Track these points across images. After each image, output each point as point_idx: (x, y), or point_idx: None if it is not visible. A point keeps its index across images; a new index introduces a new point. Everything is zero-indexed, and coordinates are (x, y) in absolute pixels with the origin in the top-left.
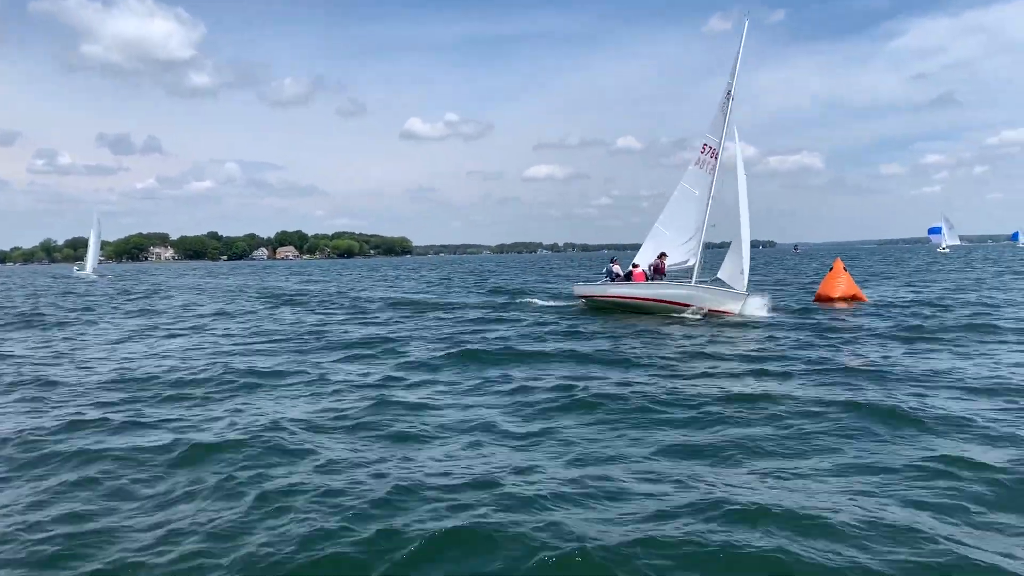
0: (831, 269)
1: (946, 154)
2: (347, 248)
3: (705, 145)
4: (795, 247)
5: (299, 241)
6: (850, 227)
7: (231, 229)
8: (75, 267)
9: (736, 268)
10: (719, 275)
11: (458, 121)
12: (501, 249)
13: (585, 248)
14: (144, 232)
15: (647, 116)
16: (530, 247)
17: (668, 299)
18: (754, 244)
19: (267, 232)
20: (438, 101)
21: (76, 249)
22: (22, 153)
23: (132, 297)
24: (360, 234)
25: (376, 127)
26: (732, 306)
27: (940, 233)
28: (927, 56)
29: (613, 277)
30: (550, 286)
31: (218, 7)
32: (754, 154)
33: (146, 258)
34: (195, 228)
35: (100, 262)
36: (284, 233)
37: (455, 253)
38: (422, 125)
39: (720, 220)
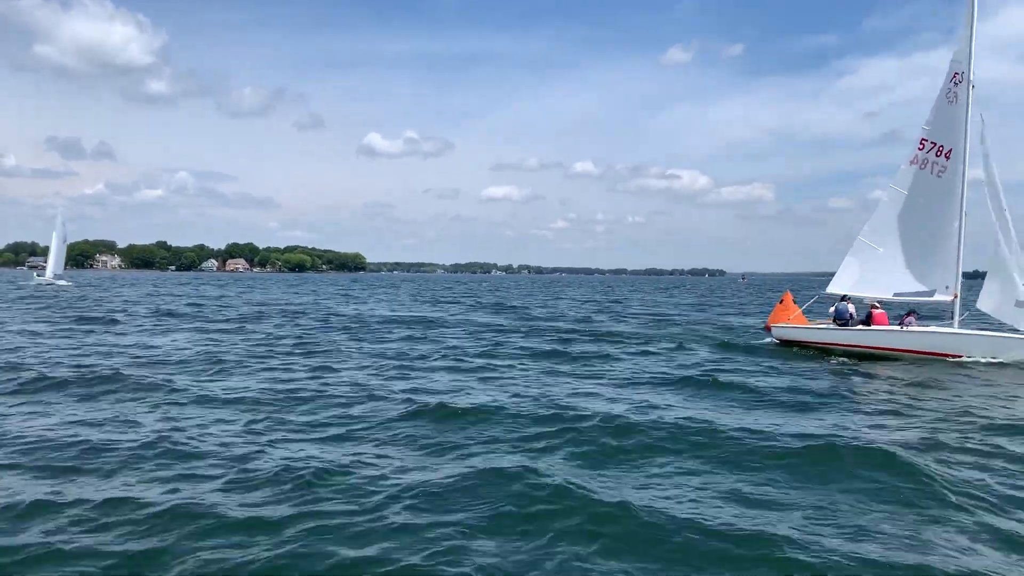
0: (781, 300)
1: None
2: (299, 262)
3: (925, 141)
4: (742, 277)
5: (250, 253)
6: (798, 258)
7: (181, 239)
8: (35, 273)
9: (1008, 298)
10: (979, 306)
11: (418, 139)
12: (456, 268)
13: (539, 270)
14: (90, 239)
15: (604, 142)
16: (484, 267)
17: (944, 351)
18: (700, 272)
19: (218, 243)
20: (398, 118)
21: (17, 254)
22: None
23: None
24: (313, 249)
25: (334, 141)
26: None
27: None
28: (875, 94)
29: (847, 320)
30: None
31: (180, 15)
32: (707, 183)
33: (91, 265)
34: (144, 237)
35: (43, 266)
36: (235, 245)
37: (409, 271)
38: (381, 141)
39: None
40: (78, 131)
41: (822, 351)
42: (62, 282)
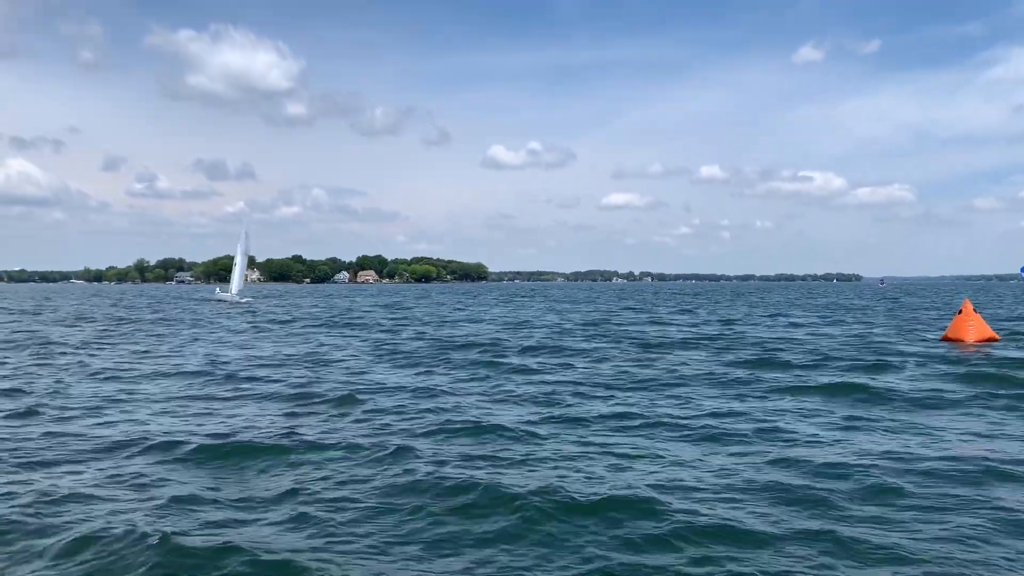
0: (960, 311)
1: None
2: (425, 273)
3: None
4: (881, 281)
5: (379, 265)
6: (939, 261)
7: (314, 253)
8: (217, 288)
9: None
10: None
11: (540, 150)
12: (576, 276)
13: (662, 277)
14: (231, 254)
15: (731, 146)
16: (605, 275)
17: None
18: (828, 277)
19: (348, 256)
20: (521, 129)
21: (167, 270)
22: (125, 177)
23: None
24: (438, 259)
25: (460, 155)
26: None
27: None
28: None
29: None
30: None
31: (316, 41)
32: (842, 185)
33: None
34: (280, 251)
35: (189, 282)
36: (365, 257)
37: (529, 280)
38: (505, 153)
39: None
40: (223, 153)
41: None
42: (245, 300)
